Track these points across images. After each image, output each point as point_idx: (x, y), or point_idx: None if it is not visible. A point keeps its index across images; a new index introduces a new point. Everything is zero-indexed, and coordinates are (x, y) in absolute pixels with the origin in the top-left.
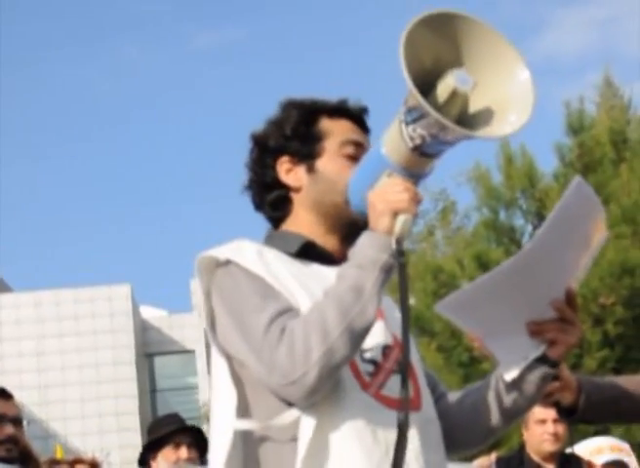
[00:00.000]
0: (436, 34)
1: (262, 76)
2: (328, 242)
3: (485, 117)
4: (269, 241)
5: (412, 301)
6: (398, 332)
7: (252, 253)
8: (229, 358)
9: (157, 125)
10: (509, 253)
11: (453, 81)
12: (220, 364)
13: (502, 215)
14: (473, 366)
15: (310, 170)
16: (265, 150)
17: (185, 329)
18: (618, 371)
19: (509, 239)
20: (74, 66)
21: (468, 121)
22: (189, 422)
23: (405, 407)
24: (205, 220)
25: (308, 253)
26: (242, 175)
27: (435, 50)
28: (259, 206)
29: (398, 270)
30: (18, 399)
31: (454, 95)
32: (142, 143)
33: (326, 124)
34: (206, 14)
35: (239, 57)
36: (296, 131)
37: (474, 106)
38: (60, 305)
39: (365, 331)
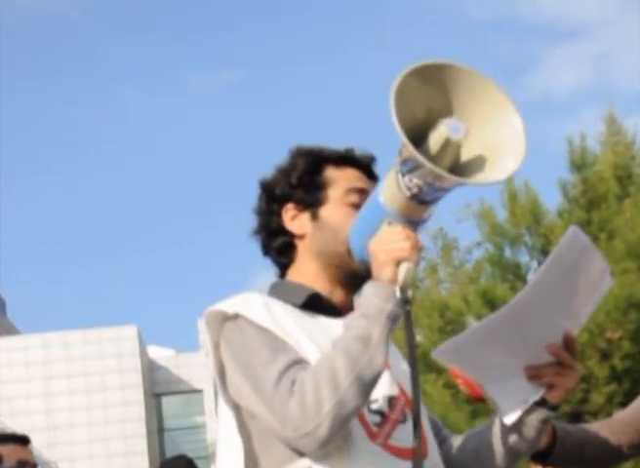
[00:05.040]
0: (426, 84)
1: (261, 117)
2: (333, 292)
3: (478, 163)
4: (274, 291)
5: (418, 338)
6: (403, 382)
7: (259, 305)
8: (238, 409)
9: (157, 167)
10: (515, 289)
11: (445, 130)
12: (227, 416)
13: (507, 252)
14: (481, 402)
15: (314, 217)
16: (272, 197)
17: (193, 368)
18: (626, 406)
19: (514, 275)
20: (72, 108)
21: (462, 167)
22: (197, 462)
23: (418, 458)
24: (210, 260)
25: (314, 304)
26: (248, 217)
27: (426, 100)
28: (266, 251)
29: (405, 318)
30: None
31: (447, 143)
32: (144, 184)
33: (331, 172)
34: (203, 56)
35: (237, 98)
36: (301, 179)
37: (467, 153)
38: (68, 347)
39: (374, 380)
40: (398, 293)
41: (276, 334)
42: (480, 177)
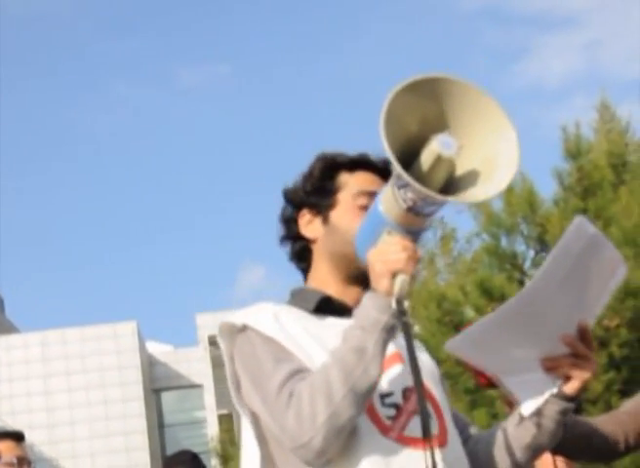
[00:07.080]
0: (420, 98)
1: (249, 111)
2: (345, 292)
3: (472, 177)
4: (292, 299)
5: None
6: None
7: (267, 316)
8: (256, 417)
9: (149, 160)
10: (512, 278)
11: (437, 147)
12: (245, 423)
13: (504, 242)
14: (479, 392)
15: (325, 221)
16: (291, 204)
17: (192, 363)
18: (624, 394)
19: (511, 265)
20: (62, 102)
21: (457, 182)
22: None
23: (430, 448)
24: (208, 255)
25: (325, 308)
26: (239, 212)
27: (420, 112)
28: (290, 257)
29: (402, 329)
30: (27, 438)
31: (438, 160)
32: (137, 178)
33: (344, 177)
34: (190, 50)
35: (224, 93)
36: (314, 185)
37: (461, 169)
38: (66, 344)
39: (369, 391)
40: (394, 305)
41: (281, 344)
42: (469, 195)
